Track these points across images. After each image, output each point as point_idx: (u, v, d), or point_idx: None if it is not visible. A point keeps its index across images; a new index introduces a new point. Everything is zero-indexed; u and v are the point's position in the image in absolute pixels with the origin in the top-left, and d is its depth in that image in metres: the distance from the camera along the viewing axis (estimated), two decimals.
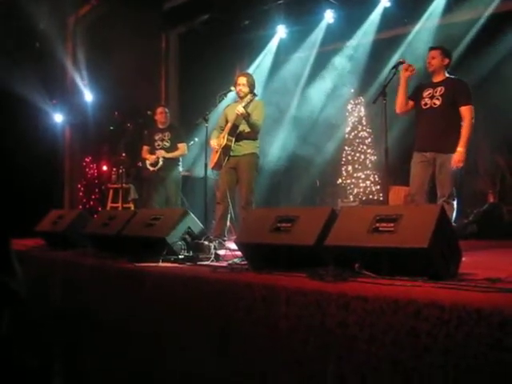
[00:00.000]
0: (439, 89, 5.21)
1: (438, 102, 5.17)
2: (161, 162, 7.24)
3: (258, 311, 2.84)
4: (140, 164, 8.80)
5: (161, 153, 7.26)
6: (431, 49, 5.37)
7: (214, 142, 6.08)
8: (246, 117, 5.81)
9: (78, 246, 5.30)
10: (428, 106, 5.24)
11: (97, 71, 9.36)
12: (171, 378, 3.37)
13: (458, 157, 5.00)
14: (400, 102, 5.38)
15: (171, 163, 7.37)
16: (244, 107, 5.82)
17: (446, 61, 5.27)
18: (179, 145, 7.39)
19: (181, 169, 7.58)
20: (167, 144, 7.35)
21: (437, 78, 5.30)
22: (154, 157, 7.29)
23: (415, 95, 5.39)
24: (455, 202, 5.06)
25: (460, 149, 5.00)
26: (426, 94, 5.29)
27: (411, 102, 5.41)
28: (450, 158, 5.03)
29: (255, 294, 2.88)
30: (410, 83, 5.44)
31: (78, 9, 9.45)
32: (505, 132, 8.48)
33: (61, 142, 9.57)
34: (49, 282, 4.78)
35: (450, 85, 5.19)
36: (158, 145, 7.37)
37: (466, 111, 5.08)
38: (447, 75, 5.30)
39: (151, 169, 7.31)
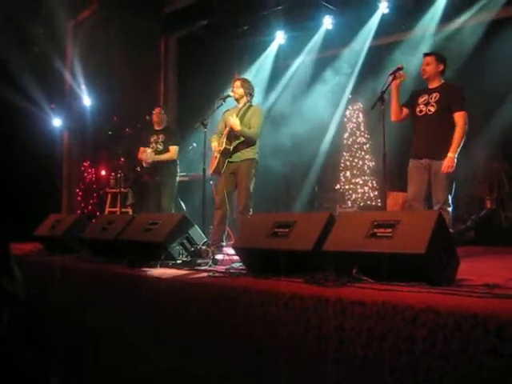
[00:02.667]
0: (434, 95, 5.21)
1: (432, 109, 5.17)
2: (149, 159, 7.18)
3: (256, 316, 2.84)
4: (138, 169, 8.80)
5: (149, 152, 7.18)
6: (425, 55, 5.36)
7: (214, 144, 6.10)
8: (240, 134, 5.87)
9: (76, 250, 5.31)
10: (423, 112, 5.24)
11: (95, 76, 9.36)
12: (167, 378, 3.37)
13: (447, 162, 4.99)
14: (394, 110, 5.40)
15: (165, 167, 7.24)
16: (239, 117, 5.87)
17: (441, 67, 5.27)
18: (170, 147, 7.25)
19: (178, 174, 7.53)
20: (160, 147, 7.24)
21: (432, 85, 5.30)
22: (144, 154, 7.20)
23: (411, 102, 5.40)
24: (451, 209, 5.06)
25: (450, 154, 4.99)
26: (421, 100, 5.29)
27: (406, 109, 5.42)
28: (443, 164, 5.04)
29: (253, 299, 2.89)
30: (406, 88, 5.45)
31: (77, 13, 9.46)
32: (503, 138, 8.50)
33: (59, 147, 9.57)
34: (47, 287, 4.78)
35: (445, 91, 5.20)
36: (153, 147, 7.27)
37: (459, 117, 5.07)
38: (443, 81, 5.31)
39: (145, 165, 7.26)
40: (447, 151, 5.02)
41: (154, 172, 7.26)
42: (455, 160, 5.00)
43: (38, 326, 4.60)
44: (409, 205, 5.26)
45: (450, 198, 5.08)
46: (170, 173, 7.29)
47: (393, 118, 5.43)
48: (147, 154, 7.14)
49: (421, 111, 5.26)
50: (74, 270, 4.59)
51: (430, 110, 5.19)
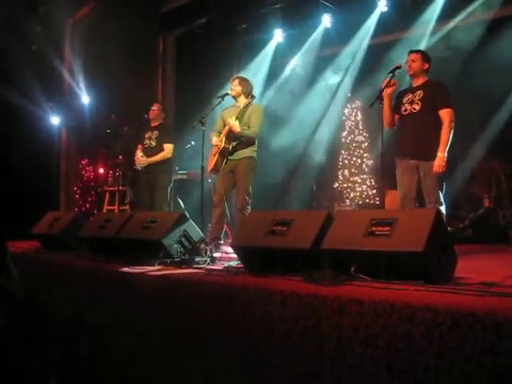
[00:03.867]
0: (418, 93, 5.16)
1: (417, 107, 5.12)
2: (141, 164, 7.11)
3: (254, 314, 2.84)
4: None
5: (140, 159, 7.09)
6: (411, 52, 5.30)
7: (215, 139, 6.08)
8: (239, 136, 5.86)
9: (74, 248, 5.29)
10: (408, 111, 5.19)
11: (94, 74, 9.35)
12: (165, 377, 3.37)
13: (438, 162, 4.92)
14: (387, 119, 5.31)
15: (158, 166, 7.11)
16: (238, 117, 5.84)
17: (426, 65, 5.22)
18: (165, 146, 7.11)
19: (172, 172, 7.45)
20: (153, 143, 7.13)
21: (416, 82, 5.26)
22: (136, 158, 7.14)
23: (396, 102, 5.34)
24: (443, 207, 4.98)
25: (440, 154, 4.92)
26: (405, 99, 5.25)
27: (396, 115, 5.36)
28: (432, 164, 4.96)
29: (251, 297, 2.89)
30: (406, 85, 5.42)
31: (75, 11, 9.45)
32: (500, 137, 8.51)
33: (57, 145, 9.56)
34: (44, 285, 4.78)
35: (429, 88, 5.14)
36: (146, 143, 7.18)
37: (444, 115, 5.00)
38: (426, 78, 5.25)
39: (140, 168, 7.20)
40: (434, 151, 4.95)
41: (146, 170, 7.16)
42: (445, 159, 4.95)
43: (36, 324, 4.59)
44: (401, 205, 5.22)
45: (441, 196, 5.02)
46: (162, 171, 7.15)
47: (386, 126, 5.35)
48: (138, 160, 7.09)
49: (405, 110, 5.21)
50: (72, 268, 4.59)
51: (414, 109, 5.13)
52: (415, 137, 5.13)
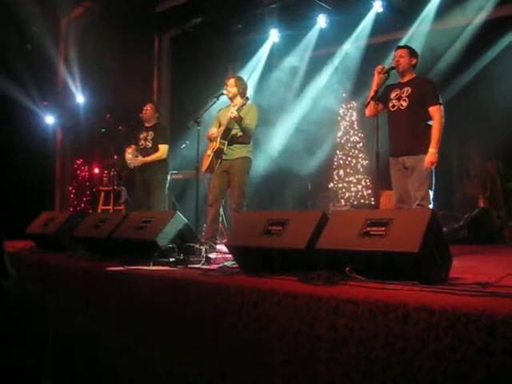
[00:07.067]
0: (406, 89, 5.13)
1: (404, 104, 5.08)
2: (133, 163, 7.11)
3: (249, 314, 2.84)
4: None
5: (134, 159, 7.10)
6: (398, 47, 5.28)
7: (213, 129, 6.09)
8: (239, 120, 5.80)
9: (68, 248, 5.27)
10: (395, 107, 5.16)
11: (89, 73, 9.34)
12: (162, 378, 3.37)
13: (429, 158, 4.88)
14: (370, 106, 5.23)
15: (154, 166, 7.07)
16: (237, 110, 5.81)
17: (414, 61, 5.20)
18: (160, 146, 7.08)
19: (168, 172, 7.43)
20: (149, 144, 7.11)
21: (404, 79, 5.23)
22: (129, 157, 7.12)
23: (384, 97, 5.29)
24: (431, 206, 4.90)
25: (431, 150, 4.89)
26: (393, 95, 5.21)
27: (380, 105, 5.31)
28: (419, 159, 4.95)
29: (246, 297, 2.88)
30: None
31: (70, 11, 9.43)
32: (496, 138, 8.53)
33: (52, 144, 9.53)
34: (39, 284, 4.76)
35: (417, 85, 5.11)
36: (141, 144, 7.16)
37: (434, 111, 4.98)
38: (414, 75, 5.24)
39: (132, 166, 7.18)
40: (421, 146, 4.93)
41: (142, 170, 7.14)
42: (436, 155, 4.92)
43: (30, 324, 4.58)
44: (398, 207, 5.19)
45: (430, 194, 4.96)
46: (158, 171, 7.11)
47: (367, 113, 5.31)
48: (131, 160, 7.09)
49: (393, 106, 5.18)
50: (66, 268, 4.57)
51: (402, 105, 5.10)
52: (402, 133, 5.09)
